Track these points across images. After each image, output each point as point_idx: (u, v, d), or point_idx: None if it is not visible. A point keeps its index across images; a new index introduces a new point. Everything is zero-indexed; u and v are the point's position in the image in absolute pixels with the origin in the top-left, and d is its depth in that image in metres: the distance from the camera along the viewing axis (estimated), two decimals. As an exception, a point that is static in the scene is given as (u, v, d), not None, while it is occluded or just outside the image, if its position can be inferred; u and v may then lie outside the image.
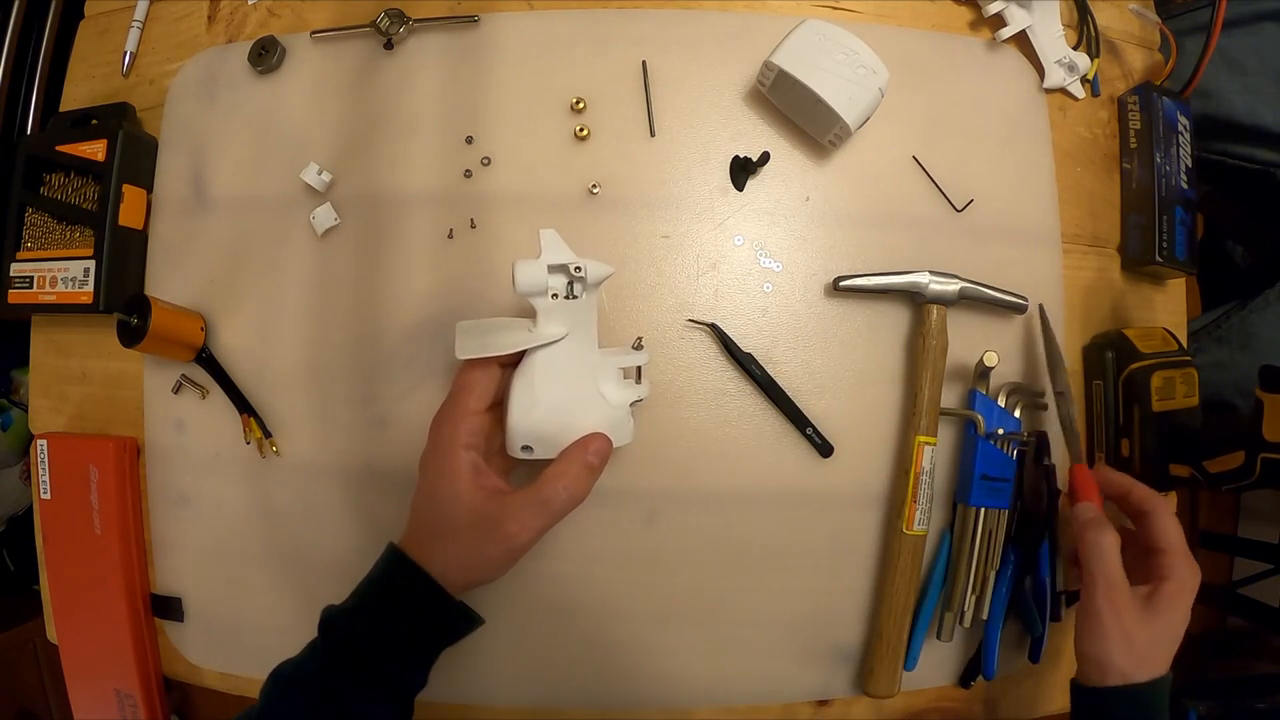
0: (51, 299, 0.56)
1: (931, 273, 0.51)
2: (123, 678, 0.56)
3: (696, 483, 0.51)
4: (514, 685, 0.52)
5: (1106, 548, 0.45)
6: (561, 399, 0.41)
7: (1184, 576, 0.45)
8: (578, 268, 0.40)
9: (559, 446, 0.41)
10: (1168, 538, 0.46)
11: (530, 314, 0.41)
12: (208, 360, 0.54)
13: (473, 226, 0.53)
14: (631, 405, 0.44)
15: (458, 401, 0.42)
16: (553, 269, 0.40)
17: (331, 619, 0.43)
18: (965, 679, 0.53)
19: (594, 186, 0.52)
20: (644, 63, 0.53)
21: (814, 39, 0.47)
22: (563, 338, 0.41)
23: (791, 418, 0.51)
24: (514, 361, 0.42)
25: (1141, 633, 0.44)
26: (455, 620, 0.43)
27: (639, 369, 0.45)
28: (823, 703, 0.53)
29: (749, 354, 0.51)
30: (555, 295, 0.41)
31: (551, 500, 0.40)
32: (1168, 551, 0.46)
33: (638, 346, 0.45)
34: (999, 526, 0.51)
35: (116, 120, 0.57)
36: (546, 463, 0.41)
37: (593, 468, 0.41)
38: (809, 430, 0.51)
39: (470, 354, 0.40)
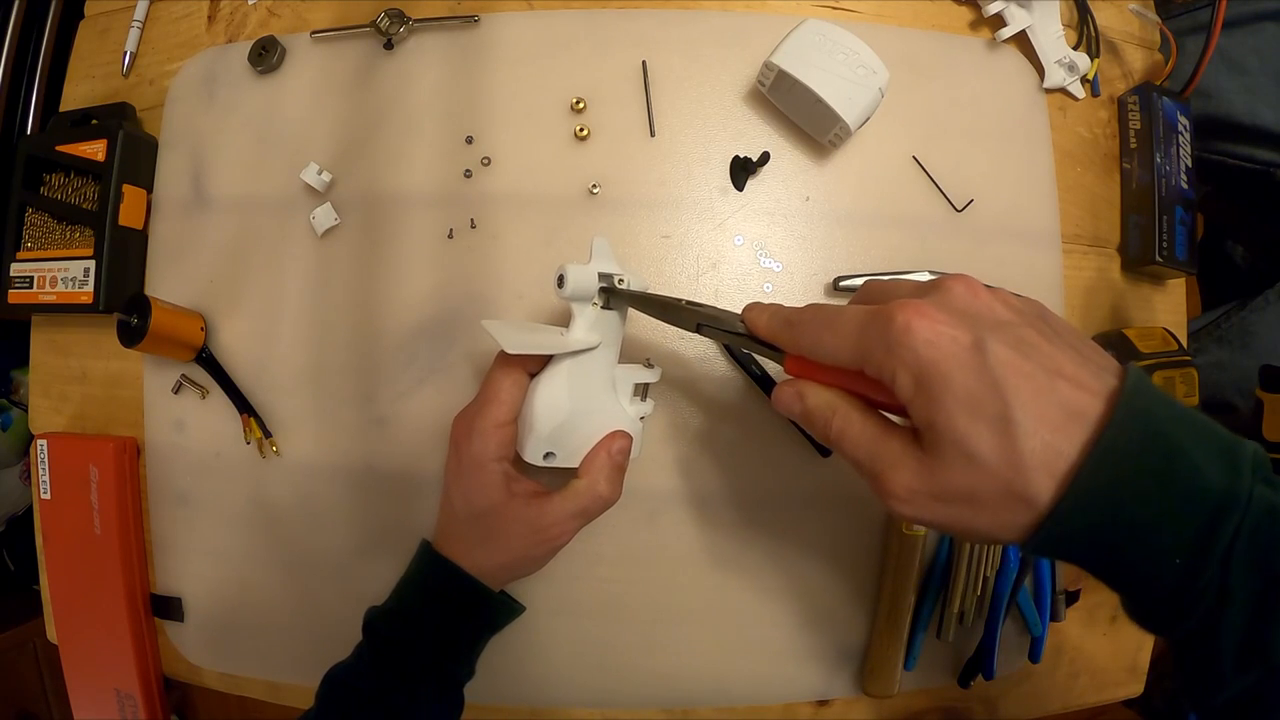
0: (51, 299, 0.56)
1: (931, 273, 0.51)
2: (123, 678, 0.56)
3: (696, 483, 0.51)
4: (514, 685, 0.52)
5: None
6: (588, 408, 0.42)
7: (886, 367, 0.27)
8: (621, 279, 0.41)
9: (580, 454, 0.42)
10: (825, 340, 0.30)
11: (561, 320, 0.42)
12: (208, 360, 0.54)
13: (473, 226, 0.53)
14: (640, 420, 0.45)
15: (487, 414, 0.42)
16: (601, 277, 0.41)
17: (374, 621, 0.44)
18: (965, 679, 0.53)
19: (594, 186, 0.52)
20: (644, 63, 0.53)
21: (814, 39, 0.47)
22: (597, 346, 0.41)
23: (791, 418, 0.51)
24: (537, 371, 0.42)
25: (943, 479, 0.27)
26: (496, 611, 0.45)
27: (645, 386, 0.46)
28: (823, 703, 0.53)
29: (749, 354, 0.51)
30: (596, 304, 0.41)
31: (590, 507, 0.42)
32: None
33: (649, 365, 0.45)
34: (999, 526, 0.51)
35: (116, 120, 0.57)
36: (564, 469, 0.42)
37: (620, 466, 0.42)
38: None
39: (521, 349, 0.39)
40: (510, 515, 0.42)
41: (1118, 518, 0.25)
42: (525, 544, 0.42)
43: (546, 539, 0.42)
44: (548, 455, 0.42)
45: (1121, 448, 0.24)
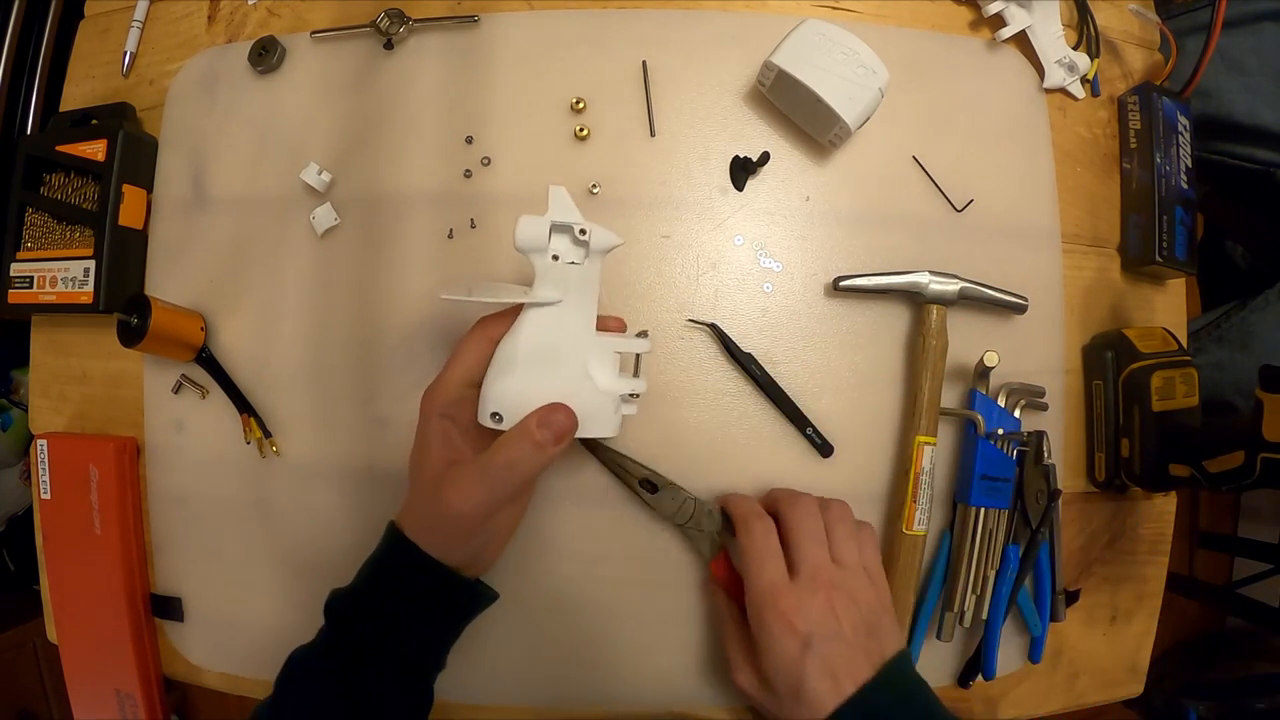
0: (51, 299, 0.56)
1: (931, 273, 0.51)
2: (123, 678, 0.56)
3: (697, 483, 0.51)
4: (514, 685, 0.52)
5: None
6: (542, 370, 0.39)
7: (750, 592, 0.43)
8: (582, 230, 0.38)
9: None
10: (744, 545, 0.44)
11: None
12: (208, 360, 0.54)
13: (473, 226, 0.53)
14: (627, 398, 0.42)
15: (443, 371, 0.42)
16: (557, 228, 0.38)
17: (334, 602, 0.43)
18: (965, 679, 0.53)
19: (594, 186, 0.52)
20: (644, 63, 0.53)
21: (814, 39, 0.47)
22: (556, 303, 0.39)
23: (791, 418, 0.51)
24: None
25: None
26: (459, 595, 0.43)
27: (637, 360, 0.43)
28: (823, 703, 0.53)
29: (749, 354, 0.51)
30: (556, 257, 0.39)
31: (488, 468, 0.38)
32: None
33: (641, 335, 0.43)
34: (999, 526, 0.51)
35: (116, 120, 0.57)
36: None
37: (539, 442, 0.37)
38: (809, 430, 0.51)
39: (449, 295, 0.39)
40: (430, 474, 0.40)
41: None
42: (430, 507, 0.40)
43: (444, 503, 0.38)
44: (495, 416, 0.39)
45: (872, 702, 0.39)
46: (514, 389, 0.39)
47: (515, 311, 0.40)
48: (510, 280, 0.52)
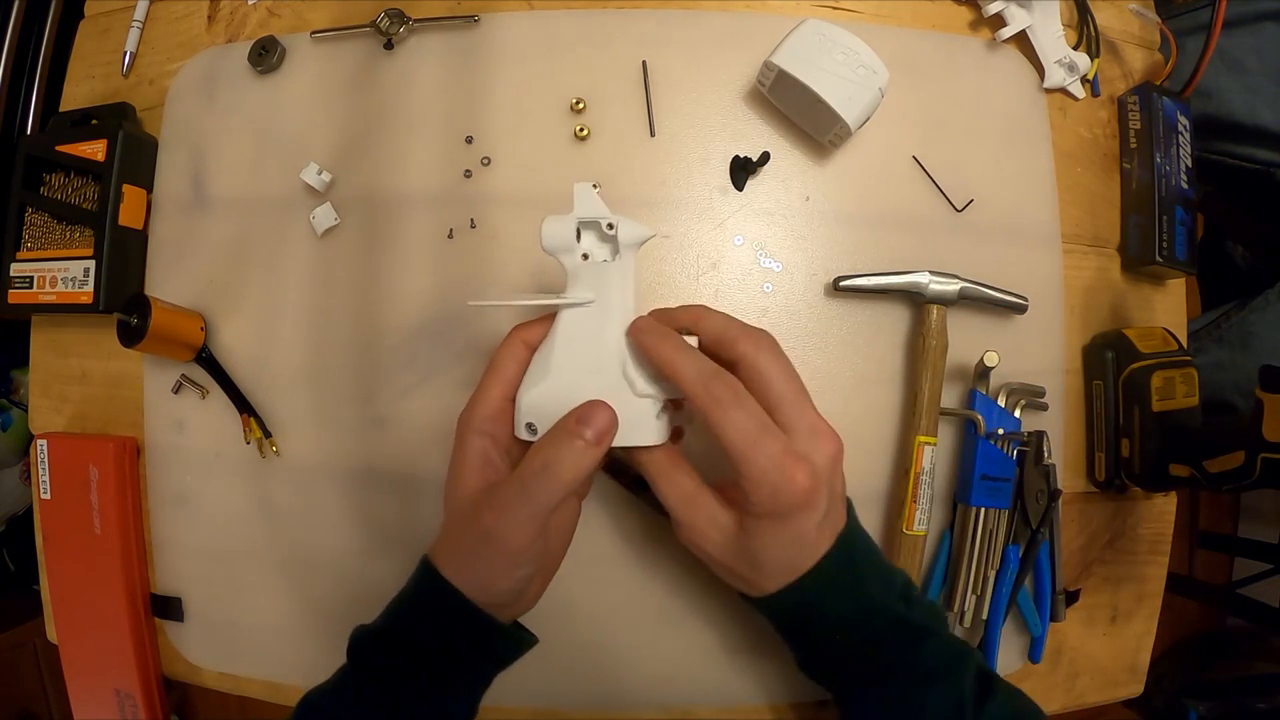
0: (51, 299, 0.56)
1: (931, 273, 0.51)
2: (123, 678, 0.56)
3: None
4: (513, 685, 0.52)
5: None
6: (578, 376, 0.37)
7: (765, 500, 0.34)
8: (610, 224, 0.37)
9: None
10: (730, 437, 0.34)
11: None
12: (208, 360, 0.54)
13: (473, 226, 0.53)
14: (665, 402, 0.38)
15: (480, 386, 0.39)
16: (585, 225, 0.37)
17: (360, 642, 0.38)
18: (965, 679, 0.53)
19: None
20: (644, 63, 0.53)
21: (814, 39, 0.47)
22: (588, 303, 0.37)
23: (791, 418, 0.51)
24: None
25: (750, 556, 0.36)
26: (498, 644, 0.38)
27: None
28: (823, 703, 0.53)
29: (749, 354, 0.51)
30: (586, 256, 0.37)
31: (525, 478, 0.34)
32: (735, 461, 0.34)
33: (686, 332, 0.40)
34: (999, 526, 0.51)
35: (116, 120, 0.57)
36: None
37: (579, 439, 0.34)
38: (809, 430, 0.51)
39: (477, 302, 0.38)
40: (467, 497, 0.36)
41: (816, 606, 0.37)
42: (468, 533, 0.36)
43: (481, 526, 0.34)
44: (529, 428, 0.37)
45: (826, 571, 0.37)
46: (549, 397, 0.36)
47: (551, 317, 0.38)
48: (509, 285, 0.52)
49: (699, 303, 0.40)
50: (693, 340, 0.38)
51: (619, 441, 0.36)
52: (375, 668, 0.38)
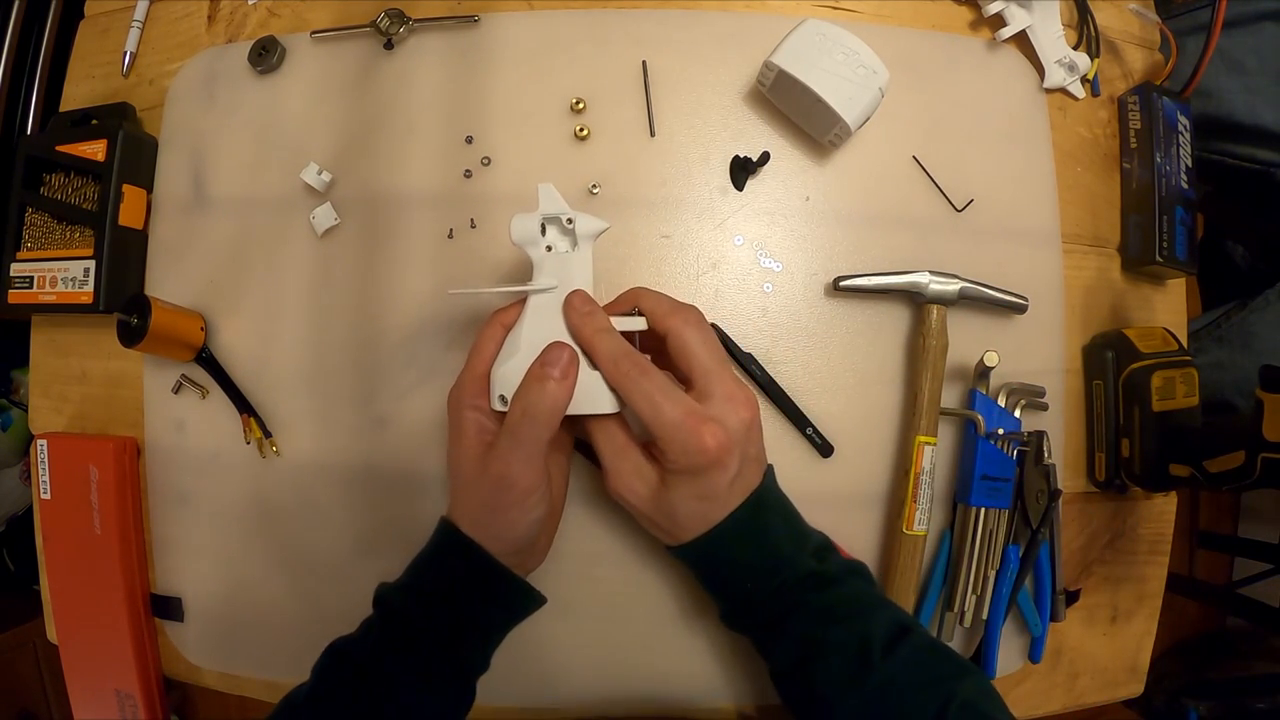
0: (51, 299, 0.56)
1: (931, 273, 0.51)
2: (123, 678, 0.56)
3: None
4: (513, 685, 0.52)
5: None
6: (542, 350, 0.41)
7: (678, 457, 0.38)
8: (569, 219, 0.42)
9: None
10: (638, 404, 0.39)
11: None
12: (208, 360, 0.54)
13: (473, 226, 0.53)
14: None
15: (466, 365, 0.43)
16: (548, 220, 0.42)
17: (386, 595, 0.43)
18: (965, 679, 0.53)
19: (594, 186, 0.52)
20: (644, 63, 0.53)
21: (814, 39, 0.47)
22: (552, 289, 0.42)
23: (791, 418, 0.51)
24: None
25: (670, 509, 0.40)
26: (511, 594, 0.43)
27: (634, 339, 0.44)
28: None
29: (749, 354, 0.51)
30: (549, 248, 0.42)
31: (511, 427, 0.39)
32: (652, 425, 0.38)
33: (633, 313, 0.44)
34: (999, 526, 0.51)
35: (116, 120, 0.57)
36: None
37: (549, 380, 0.38)
38: (809, 430, 0.51)
39: (455, 290, 0.45)
40: (472, 460, 0.41)
41: (727, 555, 0.42)
42: (480, 488, 0.40)
43: (492, 475, 0.39)
44: (502, 399, 0.41)
45: (737, 523, 0.41)
46: (517, 371, 0.40)
47: (524, 302, 0.43)
48: (515, 281, 0.52)
49: (692, 302, 0.44)
50: (644, 319, 0.43)
51: (576, 409, 0.40)
52: (401, 614, 0.41)
